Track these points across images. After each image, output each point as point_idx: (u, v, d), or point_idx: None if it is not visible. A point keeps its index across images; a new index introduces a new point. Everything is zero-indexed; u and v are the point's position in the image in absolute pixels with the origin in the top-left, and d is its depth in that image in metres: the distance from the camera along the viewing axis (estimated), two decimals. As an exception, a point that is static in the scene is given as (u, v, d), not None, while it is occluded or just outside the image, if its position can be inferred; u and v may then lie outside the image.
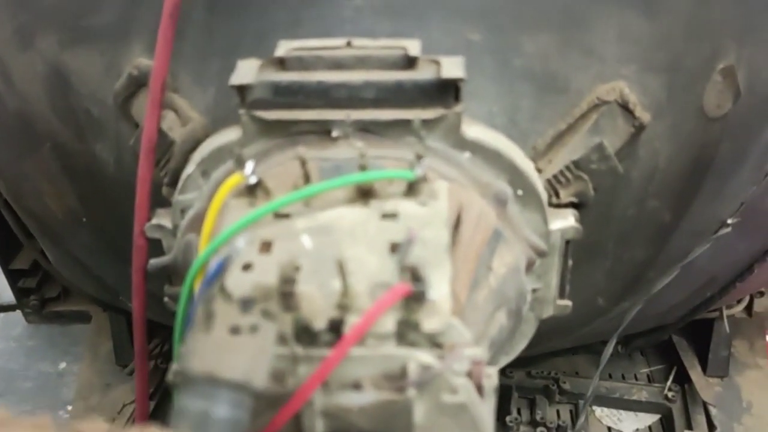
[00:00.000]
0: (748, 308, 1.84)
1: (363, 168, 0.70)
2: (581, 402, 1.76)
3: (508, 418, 1.69)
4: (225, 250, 0.60)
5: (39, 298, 2.03)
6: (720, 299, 1.44)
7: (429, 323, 0.60)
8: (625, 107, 0.91)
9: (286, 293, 0.60)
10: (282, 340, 0.60)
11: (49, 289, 2.05)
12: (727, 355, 1.79)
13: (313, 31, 0.88)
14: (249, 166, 0.71)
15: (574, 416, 1.76)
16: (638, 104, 0.92)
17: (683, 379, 1.77)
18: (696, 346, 1.83)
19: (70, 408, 2.03)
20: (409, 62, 0.80)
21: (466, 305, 0.76)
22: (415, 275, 0.59)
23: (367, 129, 0.82)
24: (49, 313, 2.08)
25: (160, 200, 0.96)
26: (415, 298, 0.60)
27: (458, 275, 0.75)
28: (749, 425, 1.73)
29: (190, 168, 0.87)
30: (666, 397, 1.75)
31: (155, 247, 0.96)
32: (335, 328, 0.61)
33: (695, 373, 1.78)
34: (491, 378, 0.66)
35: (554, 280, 0.92)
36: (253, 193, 0.73)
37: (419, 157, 0.69)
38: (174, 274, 0.95)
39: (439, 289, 0.62)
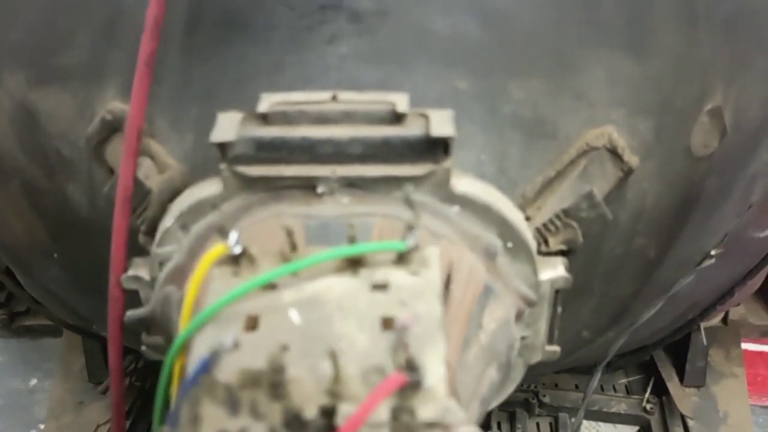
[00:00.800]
0: (724, 318, 1.86)
1: (351, 238, 0.67)
2: (561, 415, 1.76)
3: (488, 433, 1.69)
4: (210, 334, 0.58)
5: (7, 312, 1.98)
6: (701, 321, 1.45)
7: (425, 411, 0.58)
8: (613, 152, 0.90)
9: (275, 383, 0.58)
10: (271, 430, 0.58)
11: (17, 303, 2.00)
12: (704, 366, 1.81)
13: (296, 77, 0.85)
14: (233, 236, 0.68)
15: (554, 429, 1.76)
16: (627, 148, 0.90)
17: (661, 390, 1.78)
18: (673, 357, 1.84)
19: (42, 427, 1.99)
20: (397, 117, 0.77)
21: (457, 368, 0.74)
22: (410, 365, 0.57)
23: (353, 184, 0.79)
24: (18, 328, 2.03)
25: (136, 247, 0.93)
26: (410, 387, 0.58)
27: (449, 338, 0.73)
28: (726, 435, 1.76)
29: (168, 221, 0.84)
30: (644, 409, 1.76)
31: (131, 296, 0.92)
32: (326, 415, 0.59)
33: (673, 384, 1.80)
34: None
35: (543, 327, 0.91)
36: (237, 261, 0.70)
37: (410, 228, 0.67)
38: (152, 325, 0.92)
39: (435, 372, 0.60)
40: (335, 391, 0.59)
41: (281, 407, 0.58)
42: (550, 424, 1.78)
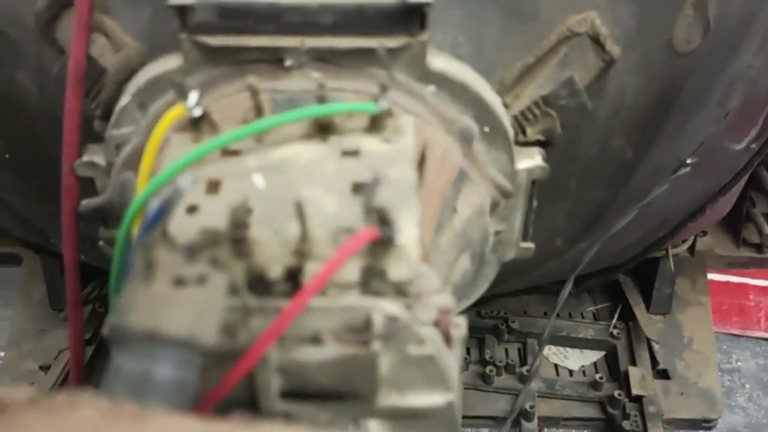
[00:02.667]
0: (691, 247, 1.87)
1: (321, 100, 0.63)
2: (529, 341, 1.76)
3: (456, 358, 1.67)
4: (167, 191, 0.54)
5: (-36, 240, 1.90)
6: (671, 239, 1.45)
7: (397, 271, 0.55)
8: (595, 40, 0.86)
9: (237, 239, 0.54)
10: (233, 290, 0.54)
11: (-26, 232, 1.92)
12: (671, 293, 1.82)
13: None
14: (192, 96, 0.63)
15: (523, 355, 1.77)
16: (609, 37, 0.87)
17: (628, 317, 1.79)
18: (640, 285, 1.85)
19: (2, 354, 1.94)
20: (371, -16, 0.72)
21: (431, 249, 0.71)
22: (382, 218, 0.53)
23: (323, 58, 0.75)
24: (-24, 256, 1.95)
25: (91, 135, 0.87)
26: (382, 244, 0.55)
27: (423, 218, 0.70)
28: (690, 360, 1.78)
29: (124, 100, 0.78)
30: (611, 335, 1.77)
31: (87, 187, 0.87)
32: (292, 276, 0.55)
33: (639, 311, 1.81)
34: (459, 327, 0.62)
35: (518, 221, 0.88)
36: (198, 127, 0.66)
37: (384, 89, 0.63)
38: (109, 216, 0.87)
39: (408, 233, 0.57)
40: (302, 251, 0.56)
41: (244, 266, 0.54)
42: (519, 349, 1.77)
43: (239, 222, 0.53)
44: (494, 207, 0.85)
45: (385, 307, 0.56)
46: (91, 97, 0.85)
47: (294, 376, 0.55)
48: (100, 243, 0.91)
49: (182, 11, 0.72)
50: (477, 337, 1.77)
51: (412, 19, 0.73)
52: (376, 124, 0.65)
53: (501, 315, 1.77)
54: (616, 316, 1.82)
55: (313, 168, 0.62)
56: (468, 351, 1.74)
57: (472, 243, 0.80)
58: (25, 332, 1.88)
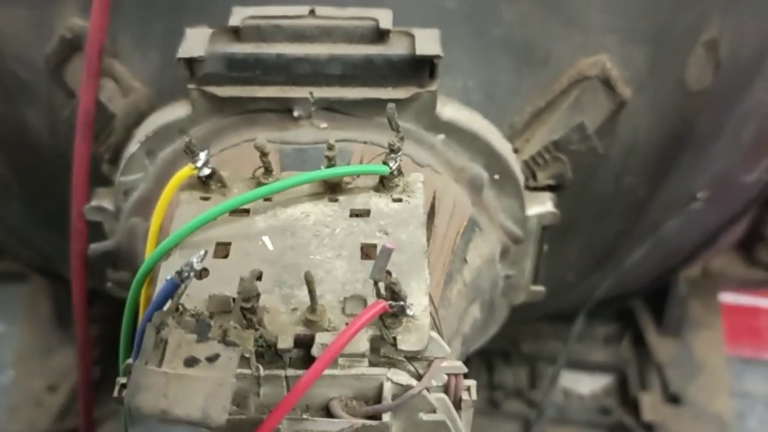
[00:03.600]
0: (703, 268, 1.85)
1: (331, 160, 0.63)
2: (539, 364, 1.75)
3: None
4: (178, 263, 0.53)
5: (-29, 259, 1.90)
6: (684, 267, 1.43)
7: (408, 342, 0.55)
8: (606, 83, 0.85)
9: (248, 309, 0.53)
10: (243, 359, 0.53)
11: (-19, 249, 1.92)
12: (682, 316, 1.80)
13: (271, -9, 0.78)
14: (202, 156, 0.62)
15: (532, 379, 1.75)
16: (620, 79, 0.86)
17: (638, 340, 1.78)
18: (651, 307, 1.83)
19: (12, 372, 1.94)
20: (380, 35, 0.72)
21: (440, 303, 0.70)
22: (392, 292, 0.53)
23: (332, 108, 0.74)
24: (-17, 274, 1.95)
25: (99, 177, 0.87)
26: (392, 315, 0.54)
27: (432, 272, 0.69)
28: (701, 384, 1.76)
29: (133, 147, 0.78)
30: (621, 358, 1.76)
31: (95, 228, 0.87)
32: (303, 345, 0.55)
33: (650, 333, 1.79)
34: (470, 390, 0.61)
35: (528, 266, 0.88)
36: (207, 184, 0.65)
37: (394, 150, 0.62)
38: (118, 259, 0.87)
39: (418, 302, 0.56)
40: (312, 320, 0.55)
41: (254, 336, 0.54)
42: (528, 373, 1.76)
43: (249, 293, 0.53)
44: (504, 253, 0.84)
45: (396, 377, 0.55)
46: (100, 141, 0.85)
47: (305, 447, 0.54)
48: (109, 284, 0.91)
49: (191, 63, 0.72)
50: (485, 359, 1.76)
51: (422, 70, 0.72)
52: (385, 182, 0.64)
53: (510, 338, 1.76)
54: (626, 338, 1.81)
55: (323, 229, 0.62)
56: (477, 374, 1.73)
57: (482, 292, 0.79)
58: (32, 351, 1.88)
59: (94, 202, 0.84)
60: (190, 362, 0.47)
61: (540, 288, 0.91)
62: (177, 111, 0.76)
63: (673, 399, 1.69)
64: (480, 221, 0.78)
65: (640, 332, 1.78)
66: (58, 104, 0.89)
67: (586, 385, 1.75)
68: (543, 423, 1.58)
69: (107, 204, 0.83)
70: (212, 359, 0.48)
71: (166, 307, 0.51)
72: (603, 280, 1.16)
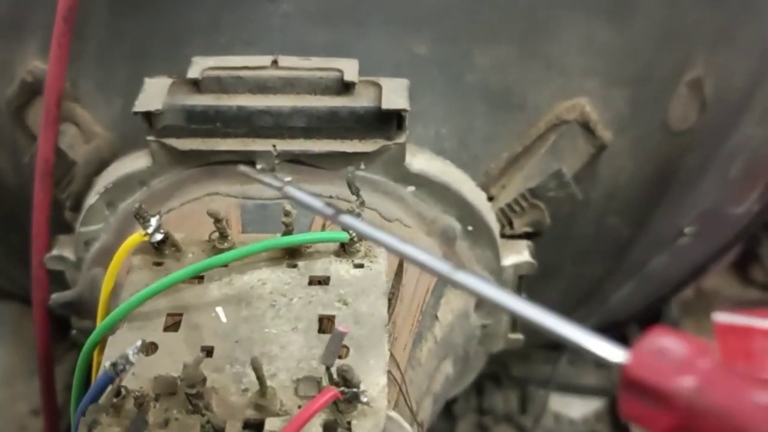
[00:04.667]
0: (697, 288, 1.82)
1: (287, 226, 0.60)
2: (529, 387, 1.73)
3: (454, 407, 1.64)
4: (125, 336, 0.50)
5: (-46, 277, 1.87)
6: (673, 296, 1.41)
7: (363, 427, 0.52)
8: (586, 127, 0.82)
9: (192, 395, 0.50)
10: (190, 445, 0.51)
11: (-36, 269, 1.89)
12: (675, 338, 1.77)
13: (234, 38, 0.76)
14: (153, 222, 0.60)
15: (522, 403, 1.73)
16: (599, 122, 0.83)
17: (631, 363, 1.75)
18: (643, 328, 1.80)
19: (-1, 394, 1.92)
20: (345, 87, 0.69)
21: (408, 366, 0.67)
22: (346, 378, 0.50)
23: (297, 160, 0.71)
24: (-35, 295, 1.93)
25: (63, 223, 0.84)
26: (346, 401, 0.51)
27: (399, 335, 0.66)
28: (694, 408, 1.73)
29: (92, 198, 0.75)
30: (613, 382, 1.73)
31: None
32: (252, 429, 0.52)
33: (643, 356, 1.76)
34: (434, 467, 0.58)
35: (505, 315, 0.85)
36: (161, 249, 0.62)
37: (356, 214, 0.59)
38: (81, 308, 0.84)
39: (374, 382, 0.54)
40: (262, 404, 0.52)
41: (201, 422, 0.51)
42: (518, 396, 1.74)
43: (194, 379, 0.50)
44: (480, 303, 0.81)
45: (350, 463, 0.52)
46: (62, 188, 0.82)
47: None
48: (73, 332, 0.88)
49: (149, 116, 0.69)
50: (476, 383, 1.73)
51: (389, 123, 0.69)
52: (346, 247, 0.62)
53: (500, 361, 1.73)
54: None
55: (280, 299, 0.59)
56: (466, 398, 1.70)
57: (455, 347, 0.76)
58: (16, 373, 1.85)
59: (55, 251, 0.81)
60: (124, 462, 0.45)
61: (519, 336, 0.88)
62: (137, 162, 0.74)
63: (665, 424, 1.66)
64: (452, 275, 0.75)
65: (632, 354, 1.75)
66: (21, 147, 0.87)
67: (578, 409, 1.73)
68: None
69: (68, 253, 0.80)
70: (148, 457, 0.46)
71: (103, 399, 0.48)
72: (588, 316, 1.13)
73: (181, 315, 0.58)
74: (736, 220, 1.22)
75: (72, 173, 0.81)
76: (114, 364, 0.46)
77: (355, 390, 0.50)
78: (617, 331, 1.65)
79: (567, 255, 0.95)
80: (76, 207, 0.82)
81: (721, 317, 1.98)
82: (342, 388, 0.50)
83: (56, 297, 0.82)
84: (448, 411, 1.65)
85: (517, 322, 0.87)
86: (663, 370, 0.29)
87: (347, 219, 0.46)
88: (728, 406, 0.27)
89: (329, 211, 0.47)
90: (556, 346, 1.38)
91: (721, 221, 1.17)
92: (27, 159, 0.84)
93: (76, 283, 0.82)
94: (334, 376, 0.51)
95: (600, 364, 1.85)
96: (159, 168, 0.72)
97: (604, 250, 1.00)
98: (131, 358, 0.46)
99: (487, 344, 0.87)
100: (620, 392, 0.29)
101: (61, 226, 0.84)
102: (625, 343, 1.19)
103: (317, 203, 0.49)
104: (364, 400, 0.51)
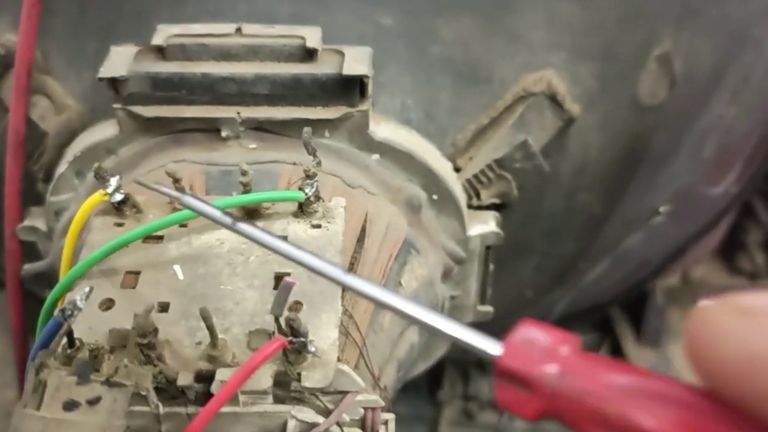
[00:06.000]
0: (683, 276, 1.83)
1: (246, 186, 0.61)
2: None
3: (440, 393, 1.65)
4: (66, 303, 0.51)
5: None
6: (653, 280, 1.41)
7: (311, 378, 0.53)
8: (553, 99, 0.83)
9: (144, 345, 0.51)
10: (141, 397, 0.52)
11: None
12: (661, 325, 1.77)
13: (200, 9, 0.77)
14: (113, 182, 0.61)
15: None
16: (567, 95, 0.84)
17: (616, 350, 1.75)
18: (629, 316, 1.81)
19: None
20: (309, 54, 0.70)
21: (369, 330, 0.68)
22: (292, 329, 0.51)
23: (261, 128, 0.72)
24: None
25: (36, 196, 0.85)
26: (295, 351, 0.52)
27: (360, 298, 0.67)
28: (679, 395, 1.73)
29: (62, 167, 0.76)
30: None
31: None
32: (205, 380, 0.53)
33: (628, 343, 1.77)
34: (388, 425, 0.59)
35: (474, 286, 0.86)
36: (121, 210, 0.63)
37: (310, 176, 0.60)
38: (53, 279, 0.85)
39: (326, 336, 0.55)
40: (214, 355, 0.53)
41: (153, 372, 0.52)
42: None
43: (144, 328, 0.51)
44: (447, 273, 0.82)
45: (301, 414, 0.53)
46: (34, 160, 0.83)
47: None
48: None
49: (114, 82, 0.70)
50: (462, 370, 1.74)
51: (352, 90, 0.70)
52: (304, 208, 0.63)
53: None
54: (603, 349, 1.79)
55: (237, 257, 0.60)
56: (452, 385, 1.71)
57: (420, 315, 0.77)
58: (5, 361, 1.86)
59: (26, 222, 0.82)
60: (69, 406, 0.46)
61: (488, 308, 0.88)
62: (105, 131, 0.74)
63: (649, 411, 1.66)
64: (417, 243, 0.76)
65: (618, 342, 1.76)
66: (-5, 121, 0.88)
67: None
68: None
69: (40, 224, 0.81)
70: (93, 402, 0.47)
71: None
72: (565, 295, 1.14)
73: (139, 273, 0.59)
74: (713, 202, 1.22)
75: (44, 145, 0.82)
76: (62, 310, 0.47)
77: (302, 339, 0.51)
78: (599, 314, 1.66)
79: (538, 231, 0.96)
80: (48, 179, 0.82)
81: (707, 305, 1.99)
82: (290, 338, 0.51)
83: (28, 267, 0.83)
84: (433, 397, 1.66)
85: (485, 295, 0.88)
86: (530, 360, 0.31)
87: (244, 227, 0.47)
88: (585, 388, 0.30)
89: (227, 220, 0.48)
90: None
91: (698, 202, 1.17)
92: (0, 130, 0.85)
93: (47, 254, 0.83)
94: (283, 326, 0.51)
95: (586, 350, 1.87)
96: (126, 136, 0.73)
97: (576, 228, 1.00)
98: (79, 303, 0.47)
99: (456, 316, 0.88)
100: (495, 382, 0.31)
101: (34, 199, 0.85)
102: (608, 326, 1.19)
103: (215, 212, 0.50)
104: (312, 349, 0.51)
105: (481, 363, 1.73)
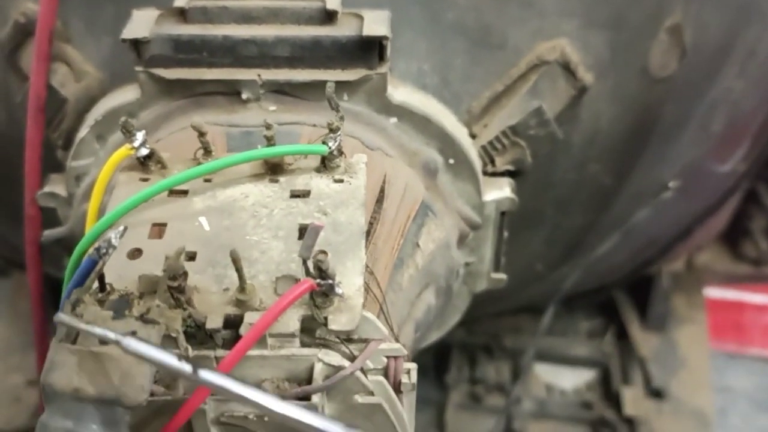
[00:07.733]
0: (688, 262, 1.84)
1: (270, 140, 0.62)
2: (521, 359, 1.74)
3: (447, 377, 1.66)
4: (100, 241, 0.52)
5: (-52, 253, 1.89)
6: (660, 259, 1.42)
7: (338, 322, 0.54)
8: (566, 68, 0.84)
9: (174, 288, 0.52)
10: (171, 339, 0.53)
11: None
12: (665, 310, 1.79)
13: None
14: (139, 136, 0.62)
15: (514, 373, 1.74)
16: (580, 64, 0.85)
17: (621, 334, 1.76)
18: (635, 301, 1.82)
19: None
20: (328, 16, 0.71)
21: (389, 288, 0.69)
22: (320, 271, 0.52)
23: (281, 90, 0.73)
24: (-39, 269, 1.95)
25: (55, 164, 0.86)
26: (322, 294, 0.53)
27: (380, 257, 0.68)
28: (684, 379, 1.74)
29: (83, 132, 0.77)
30: (604, 353, 1.74)
31: (52, 214, 0.86)
32: (233, 325, 0.54)
33: (633, 328, 1.78)
34: (410, 373, 0.60)
35: (488, 253, 0.87)
36: (146, 166, 0.64)
37: (333, 130, 0.61)
38: (73, 245, 0.85)
39: (351, 282, 0.56)
40: (242, 299, 0.54)
41: (182, 316, 0.53)
42: (510, 368, 1.75)
43: (175, 270, 0.52)
44: (462, 239, 0.83)
45: (327, 357, 0.54)
46: (53, 127, 0.84)
47: (232, 428, 0.54)
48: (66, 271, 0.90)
49: (137, 45, 0.71)
50: (468, 354, 1.75)
51: (371, 52, 0.71)
52: (327, 163, 0.64)
53: (492, 332, 1.75)
54: (609, 333, 1.80)
55: (261, 210, 0.61)
56: (459, 369, 1.72)
57: (437, 277, 0.78)
58: (12, 346, 1.87)
59: (46, 188, 0.83)
60: (105, 341, 0.47)
61: (501, 276, 0.90)
62: (126, 95, 0.76)
63: (655, 394, 1.67)
64: (434, 206, 0.77)
65: (623, 327, 1.77)
66: (14, 90, 0.89)
67: (569, 379, 1.74)
68: (521, 413, 1.57)
69: (60, 190, 0.82)
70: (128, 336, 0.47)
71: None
72: (573, 270, 1.15)
73: (165, 225, 0.60)
74: (721, 179, 1.23)
75: (63, 111, 0.83)
76: (98, 248, 0.48)
77: (330, 282, 0.52)
78: (605, 296, 1.68)
79: (549, 202, 0.97)
80: (68, 145, 0.83)
81: (713, 292, 2.00)
82: (318, 280, 0.52)
83: (48, 233, 0.84)
84: (440, 381, 1.67)
85: (499, 263, 0.89)
86: None
87: (206, 375, 0.45)
88: None
89: (186, 368, 0.45)
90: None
91: (705, 178, 1.18)
92: (20, 98, 0.86)
93: (67, 220, 0.84)
94: (311, 269, 0.53)
95: (591, 335, 1.86)
96: (147, 99, 0.74)
97: (586, 200, 1.01)
98: (114, 241, 0.48)
99: (470, 283, 0.89)
100: None
101: (53, 167, 0.86)
102: (613, 311, 1.20)
103: (171, 360, 0.45)
104: (339, 291, 0.53)
105: (487, 347, 1.74)
